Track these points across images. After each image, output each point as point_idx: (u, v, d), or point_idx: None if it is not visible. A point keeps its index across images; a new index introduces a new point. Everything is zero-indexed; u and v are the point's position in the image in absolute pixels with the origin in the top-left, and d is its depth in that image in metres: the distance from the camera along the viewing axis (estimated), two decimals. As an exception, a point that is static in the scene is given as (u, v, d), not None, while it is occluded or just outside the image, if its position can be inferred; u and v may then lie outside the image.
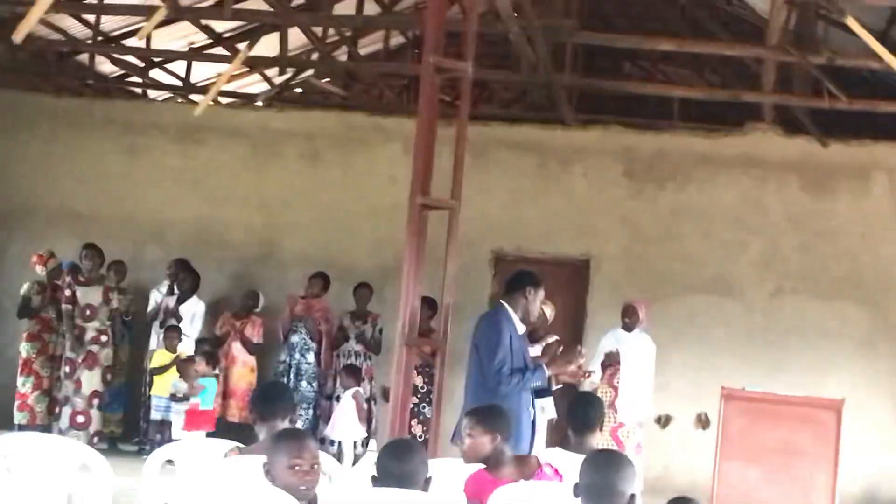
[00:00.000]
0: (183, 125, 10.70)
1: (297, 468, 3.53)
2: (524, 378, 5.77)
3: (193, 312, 9.50)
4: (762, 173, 10.07)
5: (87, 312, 8.92)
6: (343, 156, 10.68)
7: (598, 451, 3.95)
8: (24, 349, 9.25)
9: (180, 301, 9.52)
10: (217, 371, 8.91)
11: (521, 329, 5.91)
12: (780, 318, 9.85)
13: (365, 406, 9.15)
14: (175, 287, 9.65)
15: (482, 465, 4.43)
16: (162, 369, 8.97)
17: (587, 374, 7.42)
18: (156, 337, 9.43)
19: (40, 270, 9.45)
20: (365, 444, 9.23)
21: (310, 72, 12.49)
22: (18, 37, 7.52)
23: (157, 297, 9.71)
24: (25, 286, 9.40)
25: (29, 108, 11.01)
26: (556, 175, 10.37)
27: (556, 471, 4.42)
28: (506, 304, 5.87)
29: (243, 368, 9.60)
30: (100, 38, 10.94)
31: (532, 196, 10.35)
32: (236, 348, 9.58)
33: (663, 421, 9.85)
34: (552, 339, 8.75)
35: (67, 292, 8.98)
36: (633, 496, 3.54)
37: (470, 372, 5.97)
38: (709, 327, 9.91)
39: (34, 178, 10.91)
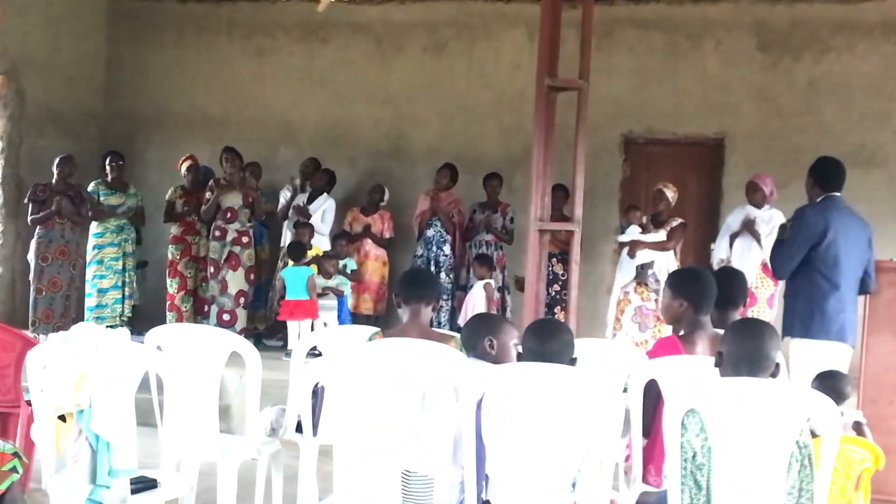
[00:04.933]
0: (307, 24, 10.74)
1: (516, 346, 3.92)
2: None
3: (323, 209, 9.64)
4: (904, 38, 9.57)
5: (228, 215, 9.14)
6: (467, 45, 10.58)
7: (743, 320, 3.89)
8: (170, 251, 9.59)
9: (311, 199, 9.67)
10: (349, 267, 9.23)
11: None
12: (926, 190, 9.46)
13: (497, 296, 9.20)
14: (308, 185, 9.81)
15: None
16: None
17: None
18: (288, 235, 9.62)
19: (184, 175, 9.71)
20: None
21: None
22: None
23: (286, 195, 9.88)
24: (170, 191, 9.68)
25: (156, 16, 11.22)
26: (685, 52, 10.06)
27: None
28: None
29: (376, 262, 9.76)
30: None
31: (661, 75, 10.08)
32: (368, 243, 9.73)
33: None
34: (677, 222, 8.63)
35: (208, 195, 9.22)
36: (778, 364, 3.49)
37: None
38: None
39: (165, 84, 11.18)
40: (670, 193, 8.69)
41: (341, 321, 8.91)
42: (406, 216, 9.87)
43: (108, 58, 11.34)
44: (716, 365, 3.59)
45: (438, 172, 9.70)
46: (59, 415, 3.78)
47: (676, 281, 4.43)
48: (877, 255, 6.29)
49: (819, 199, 5.97)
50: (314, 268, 8.89)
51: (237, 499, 4.65)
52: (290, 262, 8.86)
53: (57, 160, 9.15)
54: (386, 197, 9.93)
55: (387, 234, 9.82)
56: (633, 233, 8.67)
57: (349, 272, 9.30)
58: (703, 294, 4.27)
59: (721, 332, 3.98)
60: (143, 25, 11.23)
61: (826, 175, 5.99)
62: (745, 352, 3.47)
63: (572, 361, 3.72)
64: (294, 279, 8.72)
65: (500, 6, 10.49)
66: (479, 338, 3.92)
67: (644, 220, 8.72)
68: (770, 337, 3.50)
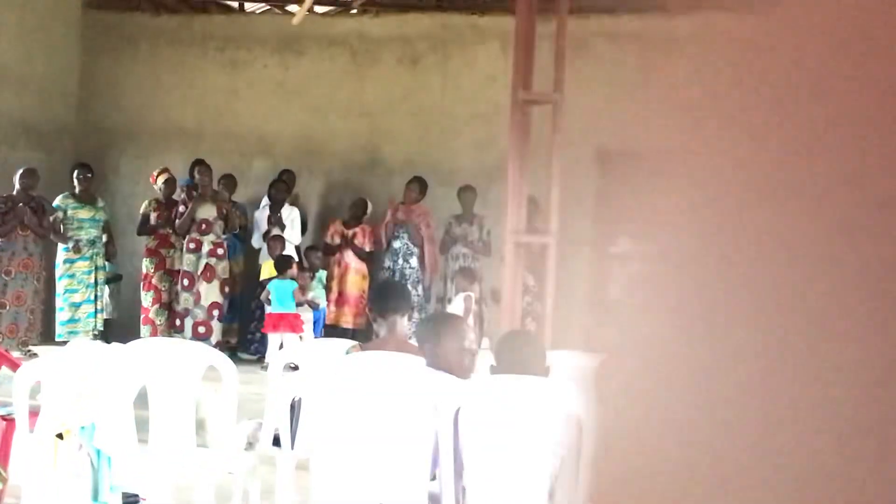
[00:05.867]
0: (282, 36, 10.75)
1: (466, 348, 3.86)
2: None
3: (291, 219, 9.66)
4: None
5: (203, 227, 9.13)
6: (441, 58, 10.62)
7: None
8: (144, 264, 9.56)
9: (274, 210, 9.68)
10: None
11: None
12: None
13: (475, 308, 9.22)
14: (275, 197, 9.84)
15: None
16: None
17: None
18: (264, 249, 9.62)
19: (157, 188, 9.69)
20: (479, 343, 9.33)
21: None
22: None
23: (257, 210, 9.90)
24: (144, 204, 9.65)
25: (129, 28, 11.19)
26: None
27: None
28: None
29: (356, 276, 9.76)
30: (194, -46, 11.01)
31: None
32: (348, 256, 9.74)
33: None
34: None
35: (181, 208, 9.21)
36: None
37: None
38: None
39: (139, 96, 11.14)
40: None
41: (316, 334, 8.94)
42: (377, 229, 9.86)
43: (82, 70, 11.30)
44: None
45: (407, 186, 9.70)
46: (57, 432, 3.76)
47: None
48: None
49: None
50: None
51: (214, 513, 4.64)
52: (276, 275, 8.88)
53: (19, 172, 9.08)
54: (369, 210, 9.94)
55: (367, 248, 9.83)
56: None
57: (322, 283, 9.33)
58: None
59: None
60: (117, 38, 11.19)
61: None
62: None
63: (545, 371, 3.76)
64: (280, 292, 8.73)
65: (474, 19, 10.54)
66: (423, 341, 3.93)
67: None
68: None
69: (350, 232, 9.79)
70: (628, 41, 10.17)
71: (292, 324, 8.68)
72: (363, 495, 3.56)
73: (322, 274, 9.38)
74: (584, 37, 9.66)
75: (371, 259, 9.89)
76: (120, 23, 11.20)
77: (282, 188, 9.79)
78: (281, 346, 8.51)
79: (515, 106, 6.41)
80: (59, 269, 9.29)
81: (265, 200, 9.94)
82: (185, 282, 9.15)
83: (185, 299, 9.15)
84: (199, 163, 9.33)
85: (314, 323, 9.15)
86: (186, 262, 9.16)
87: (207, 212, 9.16)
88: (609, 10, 10.12)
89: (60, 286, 9.29)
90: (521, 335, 4.14)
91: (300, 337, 8.75)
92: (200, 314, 9.07)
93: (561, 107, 6.49)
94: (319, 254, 9.51)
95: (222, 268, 9.19)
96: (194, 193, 9.22)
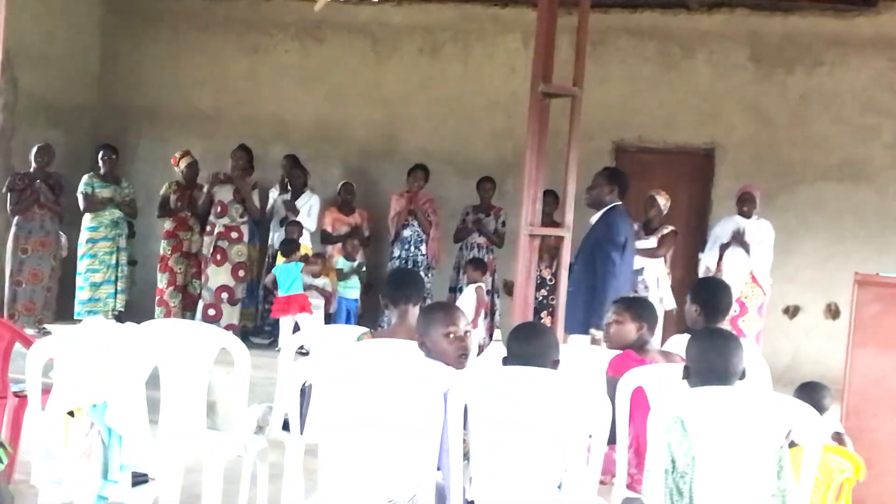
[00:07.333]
0: (302, 22, 10.76)
1: (451, 335, 3.70)
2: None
3: (309, 205, 9.65)
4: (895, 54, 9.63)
5: (219, 209, 9.16)
6: (462, 49, 10.61)
7: (706, 331, 3.95)
8: (162, 246, 9.60)
9: (294, 197, 9.68)
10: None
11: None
12: (914, 205, 9.53)
13: (486, 299, 9.24)
14: (288, 184, 9.82)
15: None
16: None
17: None
18: (276, 235, 9.64)
19: (180, 171, 9.72)
20: (490, 335, 9.34)
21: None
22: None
23: (273, 195, 9.89)
24: (164, 186, 9.69)
25: (151, 10, 11.22)
26: (678, 62, 10.11)
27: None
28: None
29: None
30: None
31: (654, 85, 10.13)
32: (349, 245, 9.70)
33: (791, 311, 9.70)
34: (668, 229, 8.67)
35: (204, 189, 9.25)
36: (744, 371, 3.56)
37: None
38: (839, 214, 9.64)
39: (160, 79, 11.17)
40: (662, 201, 8.73)
41: (339, 319, 8.99)
42: (386, 220, 9.83)
43: (103, 51, 11.34)
44: (683, 377, 3.64)
45: (412, 174, 9.67)
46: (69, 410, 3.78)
47: (633, 306, 4.74)
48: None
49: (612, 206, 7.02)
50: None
51: (222, 495, 4.66)
52: (283, 259, 8.90)
53: (35, 149, 9.14)
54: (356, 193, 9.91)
55: (366, 233, 9.81)
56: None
57: (362, 273, 9.34)
58: (656, 319, 4.75)
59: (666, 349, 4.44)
60: (139, 19, 11.23)
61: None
62: (710, 364, 3.52)
63: (555, 364, 3.76)
64: (286, 276, 8.75)
65: (496, 11, 10.53)
66: (417, 330, 3.90)
67: (636, 227, 8.76)
68: (735, 348, 3.57)
69: (350, 218, 9.71)
70: (649, 36, 10.15)
71: (301, 305, 8.71)
72: (370, 482, 3.58)
73: (359, 264, 9.38)
74: (604, 31, 9.66)
75: (369, 244, 9.87)
76: (142, 4, 11.24)
77: (300, 175, 9.78)
78: (297, 329, 8.53)
79: (534, 98, 6.40)
80: (81, 248, 9.35)
81: (275, 185, 9.94)
82: (202, 265, 9.21)
83: (198, 283, 9.20)
84: (239, 147, 9.37)
85: (347, 312, 9.18)
86: (204, 244, 9.22)
87: (224, 194, 9.19)
88: (630, 5, 10.10)
89: (82, 265, 9.35)
90: (533, 327, 4.13)
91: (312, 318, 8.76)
92: (208, 297, 9.11)
93: (580, 100, 6.48)
94: (356, 242, 9.49)
95: (236, 251, 9.21)
96: (220, 176, 9.25)
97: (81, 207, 9.34)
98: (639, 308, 4.70)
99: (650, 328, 4.62)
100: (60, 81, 10.76)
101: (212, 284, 9.12)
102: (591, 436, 3.55)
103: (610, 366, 4.44)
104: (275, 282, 8.85)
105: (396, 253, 9.59)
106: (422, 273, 9.40)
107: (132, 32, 11.23)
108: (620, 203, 7.15)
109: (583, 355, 5.16)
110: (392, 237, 9.66)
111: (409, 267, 9.33)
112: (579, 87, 6.48)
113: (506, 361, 3.81)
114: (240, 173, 9.30)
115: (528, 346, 3.76)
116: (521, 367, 3.67)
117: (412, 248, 9.56)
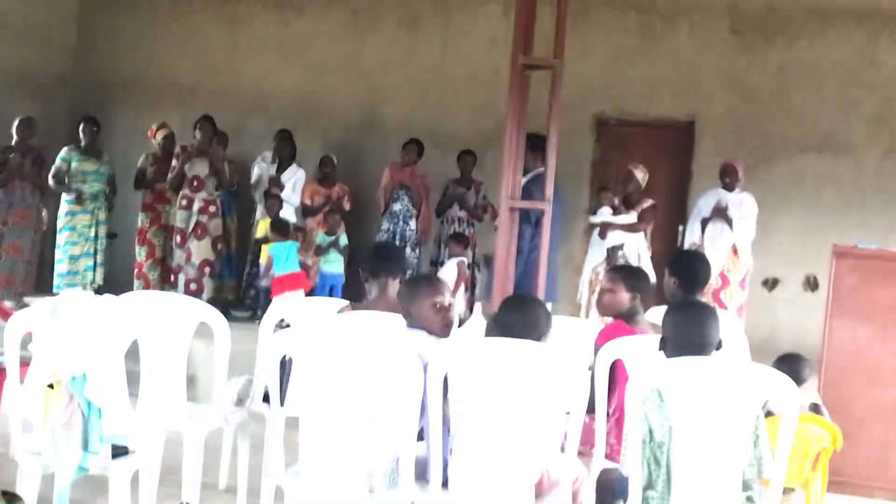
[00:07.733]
0: (282, -6, 10.69)
1: (437, 305, 3.73)
2: None
3: (294, 180, 9.60)
4: (876, 26, 9.63)
5: (195, 183, 9.10)
6: (442, 19, 10.55)
7: (681, 303, 3.98)
8: (140, 219, 9.55)
9: (280, 170, 9.63)
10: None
11: None
12: (892, 178, 9.56)
13: (467, 273, 9.25)
14: (276, 156, 9.77)
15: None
16: (266, 239, 9.14)
17: None
18: (260, 207, 9.59)
19: (157, 143, 9.65)
20: (470, 308, 9.35)
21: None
22: None
23: (261, 166, 9.82)
24: (141, 158, 9.62)
25: (130, -19, 11.12)
26: (659, 34, 10.09)
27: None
28: None
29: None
30: None
31: (635, 57, 10.11)
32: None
33: (770, 283, 9.74)
34: (647, 203, 8.68)
35: (174, 162, 9.17)
36: (720, 342, 3.58)
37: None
38: (818, 187, 9.68)
39: (137, 51, 11.08)
40: (640, 174, 8.73)
41: (321, 293, 8.97)
42: (373, 190, 9.81)
43: (80, 22, 11.22)
44: (660, 348, 3.66)
45: (405, 147, 9.61)
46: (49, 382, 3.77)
47: (629, 276, 4.75)
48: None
49: None
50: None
51: (203, 467, 4.67)
52: (277, 238, 8.85)
53: (16, 122, 9.05)
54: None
55: (346, 206, 9.72)
56: (605, 214, 8.72)
57: (341, 247, 9.28)
58: (651, 290, 4.85)
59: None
60: (115, -10, 11.12)
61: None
62: (687, 335, 3.55)
63: (542, 336, 3.77)
64: (282, 255, 8.74)
65: (476, -20, 10.47)
66: (400, 301, 3.96)
67: (616, 201, 8.77)
68: (711, 319, 3.60)
69: (328, 191, 9.62)
70: (629, 9, 10.12)
71: (301, 281, 8.72)
72: (351, 453, 3.59)
73: (342, 237, 9.31)
74: (585, 2, 9.61)
75: (349, 217, 9.81)
76: (120, -25, 11.12)
77: (288, 147, 9.71)
78: None
79: (515, 70, 6.40)
80: (60, 220, 9.28)
81: (267, 156, 9.84)
82: (178, 238, 9.13)
83: (178, 256, 9.15)
84: (203, 118, 9.26)
85: (331, 288, 9.16)
86: (178, 218, 9.14)
87: (200, 168, 9.12)
88: (611, -23, 10.06)
89: (61, 238, 9.29)
90: (524, 297, 4.15)
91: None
92: (191, 272, 9.07)
93: (560, 72, 6.47)
94: (338, 216, 9.41)
95: (214, 225, 9.17)
96: (189, 148, 9.17)
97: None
98: (633, 278, 4.72)
99: (643, 298, 4.66)
100: (37, 53, 10.65)
101: (195, 260, 9.08)
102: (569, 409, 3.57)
103: (600, 335, 4.45)
104: (271, 262, 8.80)
105: (385, 226, 9.54)
106: (409, 248, 9.40)
107: (109, 3, 11.12)
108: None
109: (570, 326, 5.18)
110: (382, 209, 9.60)
111: (394, 241, 9.31)
112: (560, 59, 6.47)
113: (495, 332, 3.83)
114: (211, 144, 9.24)
115: (524, 316, 3.78)
116: (501, 338, 3.68)
117: (401, 223, 9.51)
